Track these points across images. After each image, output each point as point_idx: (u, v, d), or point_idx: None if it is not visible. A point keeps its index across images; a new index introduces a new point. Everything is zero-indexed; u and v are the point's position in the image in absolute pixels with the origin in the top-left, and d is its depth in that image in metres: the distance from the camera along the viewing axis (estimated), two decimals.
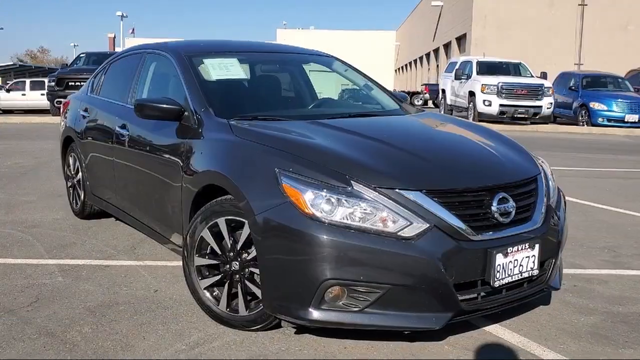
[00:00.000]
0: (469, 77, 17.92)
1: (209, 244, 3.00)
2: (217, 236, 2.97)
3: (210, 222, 2.97)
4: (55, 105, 16.55)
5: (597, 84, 18.20)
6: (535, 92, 16.87)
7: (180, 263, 4.02)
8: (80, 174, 5.02)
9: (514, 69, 18.32)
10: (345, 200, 2.53)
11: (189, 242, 3.08)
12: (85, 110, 4.89)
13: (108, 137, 4.30)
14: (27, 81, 25.97)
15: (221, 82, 3.73)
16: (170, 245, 3.72)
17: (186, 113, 3.42)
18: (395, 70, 64.53)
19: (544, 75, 17.97)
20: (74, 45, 76.35)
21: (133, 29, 62.58)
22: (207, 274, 3.04)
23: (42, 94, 23.40)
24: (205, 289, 3.02)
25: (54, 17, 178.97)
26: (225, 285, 2.93)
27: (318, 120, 3.36)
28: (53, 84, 16.56)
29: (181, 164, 3.30)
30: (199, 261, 3.04)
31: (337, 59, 4.54)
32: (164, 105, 3.40)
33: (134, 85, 4.27)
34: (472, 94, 17.44)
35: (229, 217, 2.90)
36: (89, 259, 4.13)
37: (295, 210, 2.56)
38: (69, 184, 5.34)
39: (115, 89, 4.70)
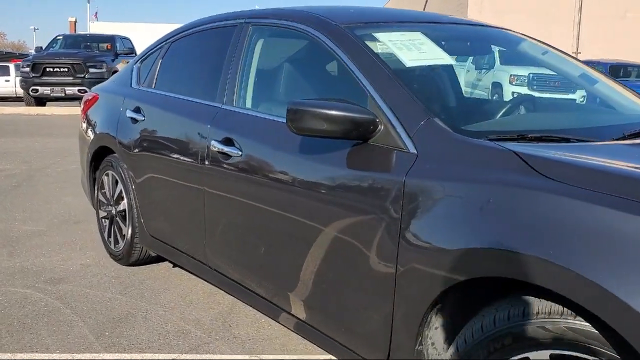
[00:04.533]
0: (490, 66, 16.46)
1: None
2: None
3: (512, 357, 1.48)
4: (31, 93, 14.54)
5: (622, 73, 17.08)
6: (570, 83, 15.51)
7: (319, 356, 2.49)
8: (125, 201, 3.44)
9: None
10: None
11: None
12: (137, 110, 3.30)
13: (192, 156, 2.74)
14: None
15: (425, 73, 2.21)
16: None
17: (380, 127, 1.92)
18: None
19: None
20: (34, 29, 72.32)
21: (96, 13, 59.29)
22: None
23: (7, 80, 21.18)
24: None
25: None
26: None
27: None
28: (27, 69, 14.42)
29: (391, 224, 1.78)
30: None
31: (527, 36, 3.03)
32: (348, 114, 1.89)
33: (232, 77, 2.70)
34: (497, 85, 15.98)
35: (565, 354, 1.41)
36: (169, 352, 2.59)
37: None
38: (103, 213, 3.75)
39: (190, 82, 3.14)
